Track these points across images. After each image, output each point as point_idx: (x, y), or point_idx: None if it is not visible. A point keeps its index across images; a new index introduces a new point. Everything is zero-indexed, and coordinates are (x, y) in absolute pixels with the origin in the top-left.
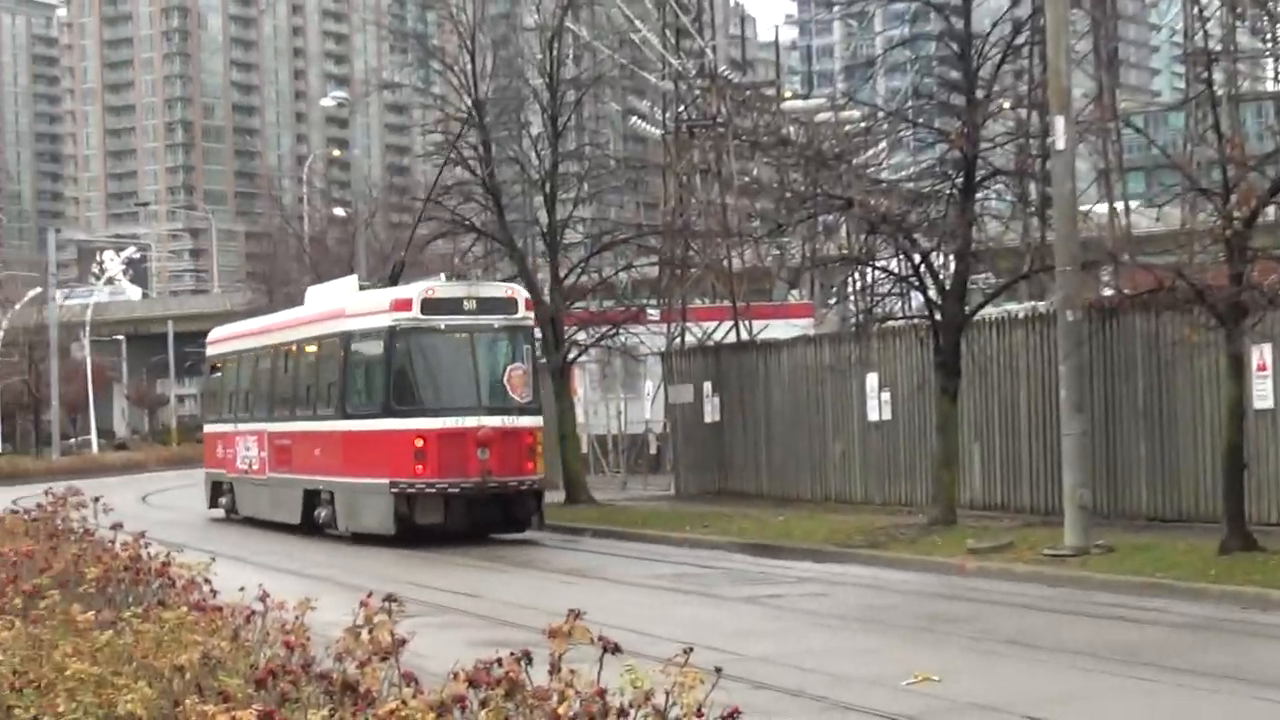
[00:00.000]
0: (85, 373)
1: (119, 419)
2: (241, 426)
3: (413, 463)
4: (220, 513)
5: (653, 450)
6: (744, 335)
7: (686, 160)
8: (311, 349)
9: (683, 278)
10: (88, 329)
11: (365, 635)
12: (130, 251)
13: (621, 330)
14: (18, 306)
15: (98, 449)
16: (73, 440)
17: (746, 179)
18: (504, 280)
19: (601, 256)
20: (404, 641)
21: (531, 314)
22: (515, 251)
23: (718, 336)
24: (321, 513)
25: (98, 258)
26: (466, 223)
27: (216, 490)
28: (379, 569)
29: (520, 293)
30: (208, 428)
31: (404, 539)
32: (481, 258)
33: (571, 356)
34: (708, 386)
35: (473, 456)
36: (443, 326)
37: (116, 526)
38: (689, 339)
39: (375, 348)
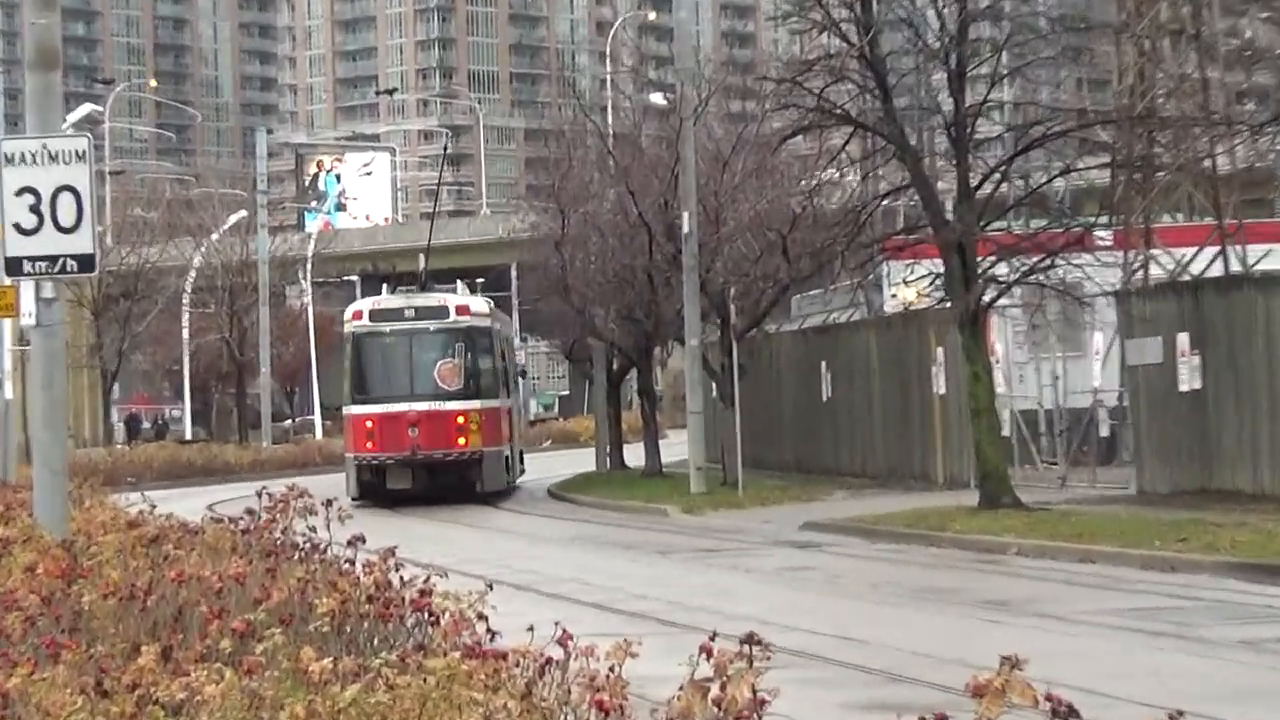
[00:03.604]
0: (306, 328)
1: None
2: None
3: (365, 440)
4: None
5: (1104, 432)
6: (1235, 266)
7: (1150, 18)
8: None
9: (1146, 185)
10: (309, 266)
11: (714, 691)
12: (367, 159)
13: (1059, 261)
14: (215, 236)
15: (322, 433)
16: (289, 421)
17: (1236, 42)
18: (895, 189)
19: (1029, 157)
20: (764, 702)
21: (465, 317)
22: (908, 151)
23: (1197, 269)
24: None
25: (323, 166)
26: (838, 111)
27: None
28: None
29: (451, 300)
30: None
31: (365, 499)
32: (859, 160)
33: (987, 298)
34: (1183, 340)
35: (404, 434)
36: (387, 331)
37: (356, 541)
38: (1155, 273)
39: (348, 350)
